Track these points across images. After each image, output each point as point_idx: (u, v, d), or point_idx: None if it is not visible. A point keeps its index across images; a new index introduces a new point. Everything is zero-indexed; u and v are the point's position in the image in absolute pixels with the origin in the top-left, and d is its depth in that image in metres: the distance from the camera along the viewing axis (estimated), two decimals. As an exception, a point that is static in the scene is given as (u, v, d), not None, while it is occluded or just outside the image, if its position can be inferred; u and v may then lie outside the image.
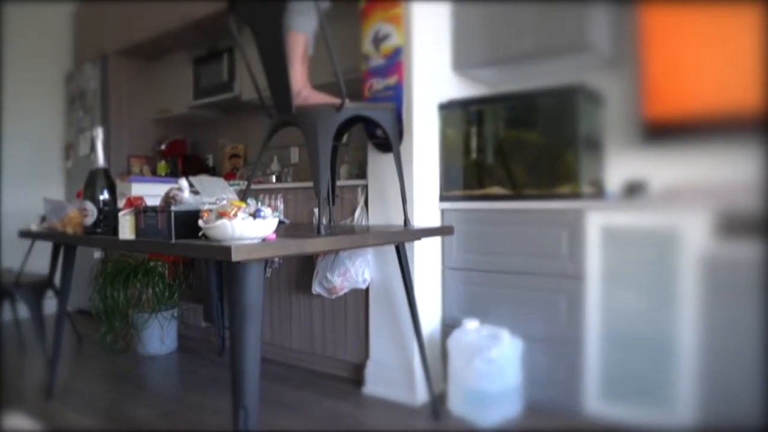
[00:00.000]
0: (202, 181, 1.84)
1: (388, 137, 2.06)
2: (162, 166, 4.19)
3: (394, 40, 2.27)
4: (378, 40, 2.32)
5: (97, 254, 3.86)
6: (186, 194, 1.60)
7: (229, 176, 3.78)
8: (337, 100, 1.91)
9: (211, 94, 3.78)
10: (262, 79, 2.01)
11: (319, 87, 2.21)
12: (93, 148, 2.12)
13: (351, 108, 1.91)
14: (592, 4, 2.24)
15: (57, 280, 2.70)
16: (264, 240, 1.42)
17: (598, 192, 2.32)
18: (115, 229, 1.74)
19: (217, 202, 1.46)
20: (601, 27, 2.32)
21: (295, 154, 3.66)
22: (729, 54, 2.13)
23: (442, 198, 2.48)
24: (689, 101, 2.23)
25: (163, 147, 4.27)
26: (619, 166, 2.38)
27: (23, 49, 4.38)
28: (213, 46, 3.80)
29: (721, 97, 2.15)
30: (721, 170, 2.09)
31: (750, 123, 2.05)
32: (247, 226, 1.36)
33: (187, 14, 3.56)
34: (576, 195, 2.15)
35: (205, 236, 1.42)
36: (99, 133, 2.14)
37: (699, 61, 2.20)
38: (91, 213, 1.98)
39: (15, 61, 4.28)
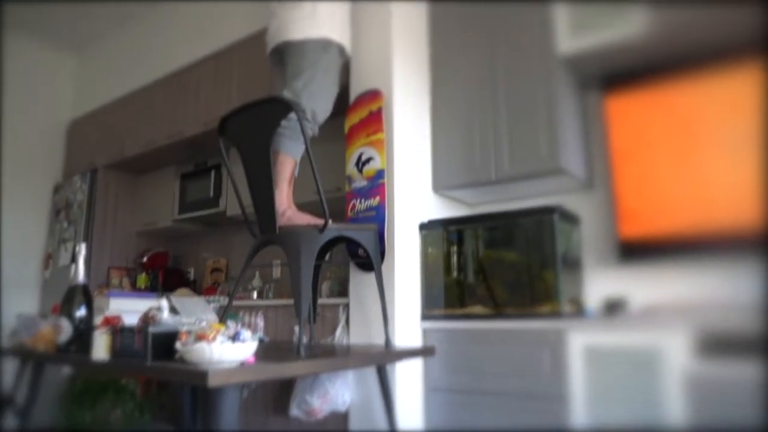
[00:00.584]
0: (182, 300, 1.84)
1: (370, 257, 2.09)
2: (142, 278, 4.15)
3: (377, 164, 2.37)
4: (361, 163, 2.42)
5: (67, 370, 3.72)
6: (165, 314, 1.59)
7: (210, 291, 3.75)
8: (320, 221, 1.95)
9: (197, 208, 3.84)
10: (247, 195, 2.06)
11: (303, 205, 2.27)
12: (74, 261, 2.12)
13: (334, 229, 1.95)
14: (564, 131, 2.37)
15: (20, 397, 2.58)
16: (243, 363, 1.39)
17: (578, 310, 2.33)
18: (89, 347, 1.70)
19: (197, 323, 1.45)
20: (573, 152, 2.45)
21: (277, 271, 3.66)
22: (700, 174, 2.25)
23: (424, 317, 2.47)
24: (662, 220, 2.32)
25: (144, 259, 4.25)
26: (599, 284, 2.42)
27: (15, 160, 4.49)
28: (201, 162, 3.91)
29: (693, 215, 2.24)
30: (699, 287, 2.13)
31: (727, 241, 2.13)
32: (226, 349, 1.34)
33: (178, 132, 3.70)
34: (556, 314, 2.16)
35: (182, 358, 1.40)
36: (82, 249, 2.15)
37: (669, 182, 2.31)
38: (65, 330, 1.93)
39: (5, 171, 4.36)
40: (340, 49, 2.43)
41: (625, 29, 2.24)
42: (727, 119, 2.21)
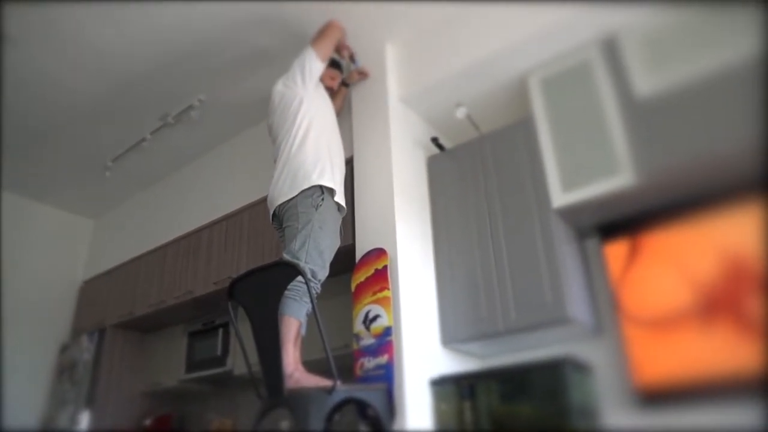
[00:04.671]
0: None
1: (380, 418, 2.04)
2: (145, 443, 3.99)
3: (384, 321, 2.39)
4: (368, 321, 2.43)
5: None
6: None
7: (214, 455, 3.59)
8: (328, 382, 1.94)
9: (204, 367, 3.78)
10: (254, 354, 2.07)
11: (311, 363, 2.25)
12: (75, 424, 2.08)
13: (343, 391, 1.94)
14: (567, 279, 2.41)
15: None
16: None
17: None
18: None
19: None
20: (579, 300, 2.47)
21: (285, 430, 3.53)
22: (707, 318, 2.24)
23: (440, 480, 2.35)
24: (676, 365, 2.28)
25: (147, 422, 4.11)
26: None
27: (23, 318, 4.51)
28: (209, 321, 3.91)
29: (704, 357, 2.21)
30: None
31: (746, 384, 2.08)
32: None
33: (188, 292, 3.76)
34: (578, 474, 2.05)
35: None
36: (85, 418, 2.11)
37: (677, 324, 2.30)
38: None
39: (11, 329, 4.36)
40: (335, 200, 2.49)
41: (614, 183, 2.37)
42: (727, 258, 2.26)
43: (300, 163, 2.47)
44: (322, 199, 2.41)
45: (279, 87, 2.75)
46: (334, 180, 2.52)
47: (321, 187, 2.43)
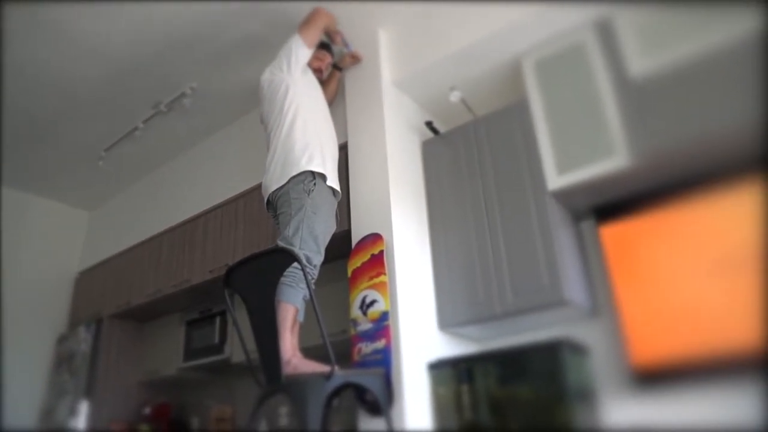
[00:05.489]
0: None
1: (378, 402, 2.04)
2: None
3: (381, 306, 2.39)
4: (365, 306, 2.43)
5: None
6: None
7: (214, 442, 3.60)
8: (326, 368, 1.94)
9: (201, 356, 3.79)
10: (252, 342, 2.07)
11: (310, 349, 2.25)
12: (74, 415, 2.09)
13: (340, 376, 1.94)
14: (564, 261, 2.41)
15: None
16: None
17: (599, 451, 2.23)
18: None
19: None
20: (575, 282, 2.47)
21: (285, 419, 3.54)
22: (701, 294, 2.24)
23: (438, 463, 2.36)
24: (671, 344, 2.29)
25: (146, 411, 4.12)
26: (615, 414, 2.33)
27: (20, 310, 4.48)
28: (206, 309, 3.91)
29: (700, 336, 2.22)
30: (723, 411, 2.05)
31: (731, 363, 2.09)
32: None
33: (184, 280, 3.75)
34: (575, 455, 2.06)
35: None
36: (84, 408, 2.11)
37: (673, 305, 2.30)
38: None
39: (9, 321, 4.34)
40: (329, 185, 2.47)
41: (609, 165, 2.36)
42: (724, 238, 2.26)
43: (289, 150, 2.48)
44: (314, 184, 2.40)
45: (266, 75, 2.74)
46: (325, 165, 2.50)
47: (312, 172, 2.42)
